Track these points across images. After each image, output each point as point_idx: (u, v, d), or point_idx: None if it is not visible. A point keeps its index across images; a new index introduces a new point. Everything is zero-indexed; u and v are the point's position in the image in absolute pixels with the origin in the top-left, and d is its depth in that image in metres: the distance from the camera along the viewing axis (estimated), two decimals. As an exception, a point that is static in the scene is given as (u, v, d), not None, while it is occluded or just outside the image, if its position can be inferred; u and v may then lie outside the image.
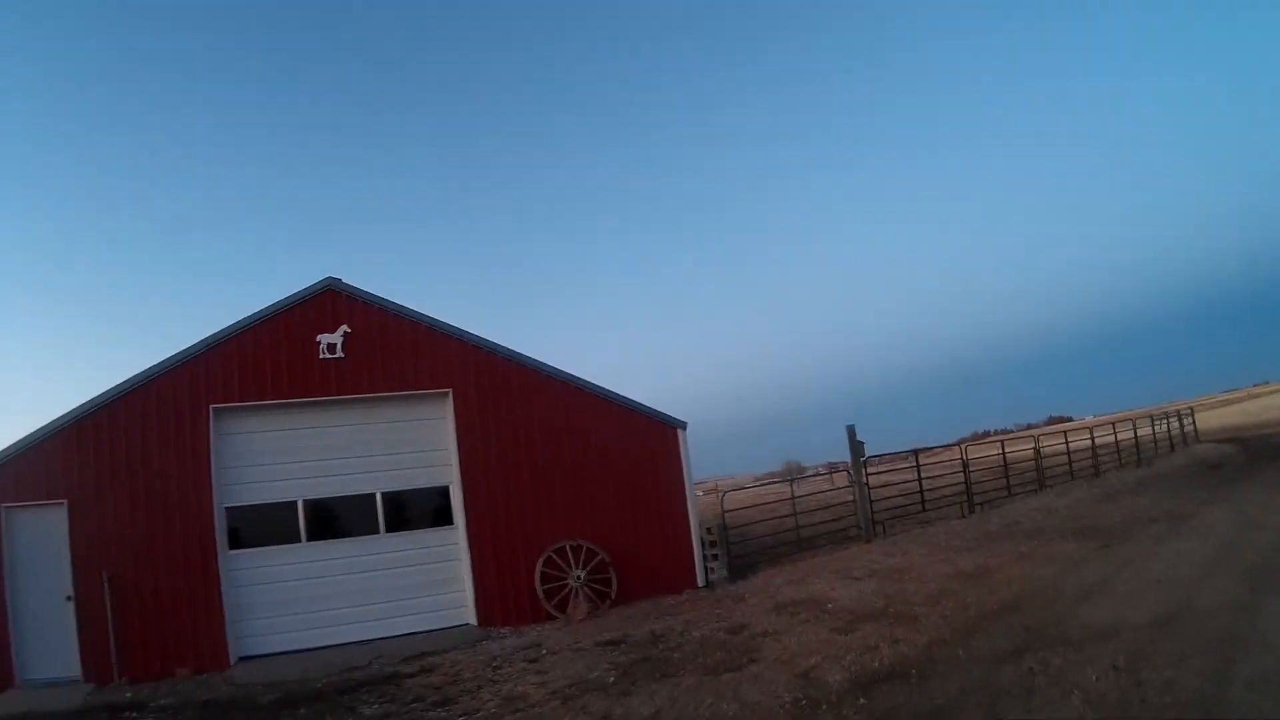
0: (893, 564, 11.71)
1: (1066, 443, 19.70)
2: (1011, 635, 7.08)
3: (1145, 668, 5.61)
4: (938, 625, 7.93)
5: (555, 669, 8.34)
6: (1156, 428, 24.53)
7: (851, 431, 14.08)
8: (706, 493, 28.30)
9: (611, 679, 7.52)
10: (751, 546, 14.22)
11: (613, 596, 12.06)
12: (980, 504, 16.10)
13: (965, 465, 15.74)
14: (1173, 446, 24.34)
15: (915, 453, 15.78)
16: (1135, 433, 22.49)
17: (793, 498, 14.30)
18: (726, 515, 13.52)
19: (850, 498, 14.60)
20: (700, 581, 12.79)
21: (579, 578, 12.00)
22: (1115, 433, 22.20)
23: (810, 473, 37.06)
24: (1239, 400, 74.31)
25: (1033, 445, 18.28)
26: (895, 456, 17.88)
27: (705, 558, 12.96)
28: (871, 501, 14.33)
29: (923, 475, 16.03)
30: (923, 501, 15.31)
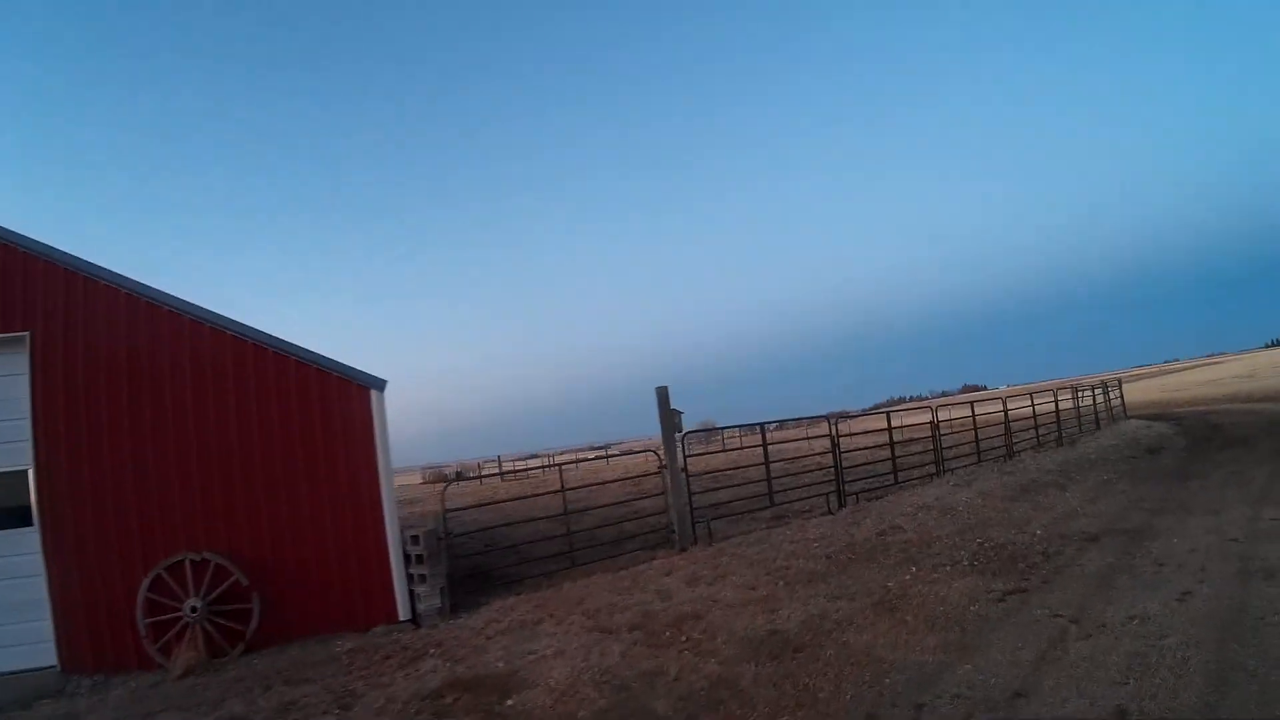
0: (683, 604, 7.17)
1: (973, 415, 15.42)
2: None
3: None
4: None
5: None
6: (1081, 400, 20.89)
7: (663, 396, 9.36)
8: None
9: None
10: (521, 554, 9.48)
11: (248, 637, 7.52)
12: (856, 494, 11.78)
13: (835, 445, 11.18)
14: (1098, 423, 20.73)
15: (761, 426, 11.08)
16: (1056, 405, 18.68)
17: (563, 489, 9.48)
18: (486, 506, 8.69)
19: (663, 488, 9.92)
20: (404, 612, 8.20)
21: (195, 609, 7.33)
22: (1034, 405, 18.32)
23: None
24: (1151, 376, 74.14)
25: (930, 419, 13.81)
26: (747, 431, 13.28)
27: (412, 578, 8.25)
28: (691, 494, 9.70)
29: (782, 458, 11.57)
30: (770, 494, 10.70)
